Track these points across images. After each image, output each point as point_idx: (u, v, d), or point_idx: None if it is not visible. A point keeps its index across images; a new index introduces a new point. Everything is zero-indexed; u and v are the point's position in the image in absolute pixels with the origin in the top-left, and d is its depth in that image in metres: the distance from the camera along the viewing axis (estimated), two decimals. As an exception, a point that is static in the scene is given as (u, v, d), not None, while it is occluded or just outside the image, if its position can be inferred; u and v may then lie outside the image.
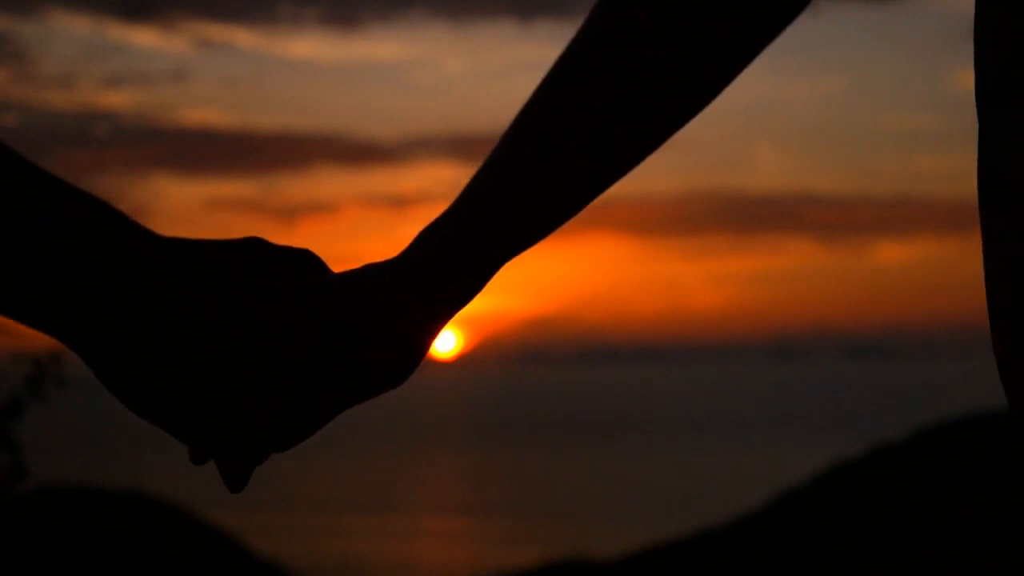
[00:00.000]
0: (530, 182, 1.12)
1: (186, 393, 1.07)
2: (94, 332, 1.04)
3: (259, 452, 1.13)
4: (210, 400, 1.08)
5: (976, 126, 1.04)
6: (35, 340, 6.05)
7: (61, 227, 1.00)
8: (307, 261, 1.14)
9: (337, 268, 1.15)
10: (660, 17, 1.09)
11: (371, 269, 1.15)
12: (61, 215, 1.00)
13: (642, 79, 1.10)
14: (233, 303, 1.08)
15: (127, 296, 1.03)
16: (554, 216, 1.14)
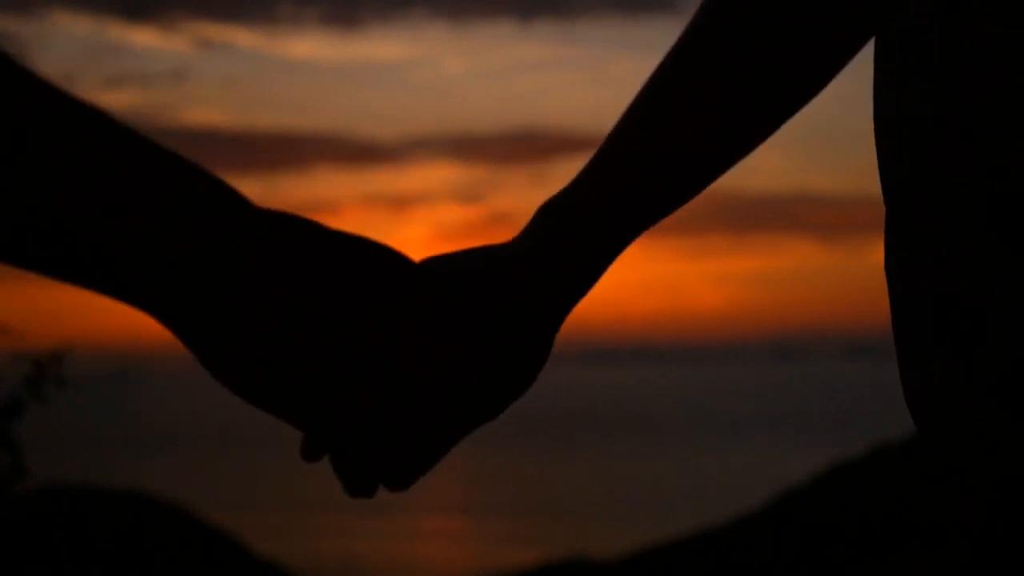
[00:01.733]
0: (654, 149, 1.02)
1: (291, 377, 0.96)
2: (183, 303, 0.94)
3: (375, 460, 1.03)
4: (315, 387, 0.97)
5: None
6: (35, 340, 6.04)
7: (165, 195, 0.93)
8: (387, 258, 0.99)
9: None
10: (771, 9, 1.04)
11: (477, 254, 1.03)
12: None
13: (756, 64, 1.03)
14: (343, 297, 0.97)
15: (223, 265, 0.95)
16: (686, 184, 1.04)
